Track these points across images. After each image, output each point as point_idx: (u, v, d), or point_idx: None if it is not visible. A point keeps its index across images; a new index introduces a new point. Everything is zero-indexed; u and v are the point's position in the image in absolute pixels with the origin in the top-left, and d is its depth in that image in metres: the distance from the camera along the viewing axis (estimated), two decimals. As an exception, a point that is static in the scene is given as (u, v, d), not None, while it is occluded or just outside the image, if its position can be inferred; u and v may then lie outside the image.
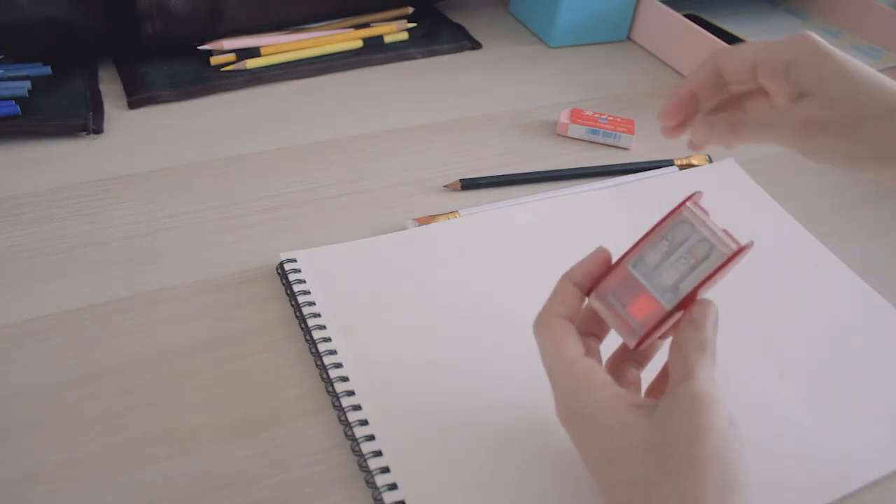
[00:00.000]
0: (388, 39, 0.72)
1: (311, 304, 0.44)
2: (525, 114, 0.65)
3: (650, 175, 0.59)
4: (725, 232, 0.33)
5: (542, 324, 0.34)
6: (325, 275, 0.46)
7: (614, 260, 0.34)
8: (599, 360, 0.35)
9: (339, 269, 0.47)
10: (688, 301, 0.32)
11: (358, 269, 0.47)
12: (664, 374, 0.36)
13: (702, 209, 0.33)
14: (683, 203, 0.33)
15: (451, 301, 0.46)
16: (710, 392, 0.30)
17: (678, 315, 0.33)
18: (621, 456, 0.30)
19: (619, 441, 0.30)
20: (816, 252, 0.53)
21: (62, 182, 0.52)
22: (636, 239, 0.34)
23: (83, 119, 0.57)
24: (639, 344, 0.33)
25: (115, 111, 0.60)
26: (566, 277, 0.35)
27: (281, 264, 0.47)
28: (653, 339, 0.34)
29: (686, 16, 0.76)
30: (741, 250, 0.32)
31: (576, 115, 0.63)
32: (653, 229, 0.33)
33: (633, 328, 0.33)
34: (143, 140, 0.57)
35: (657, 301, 0.33)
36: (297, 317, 0.44)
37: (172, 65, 0.65)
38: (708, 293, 0.34)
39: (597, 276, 0.34)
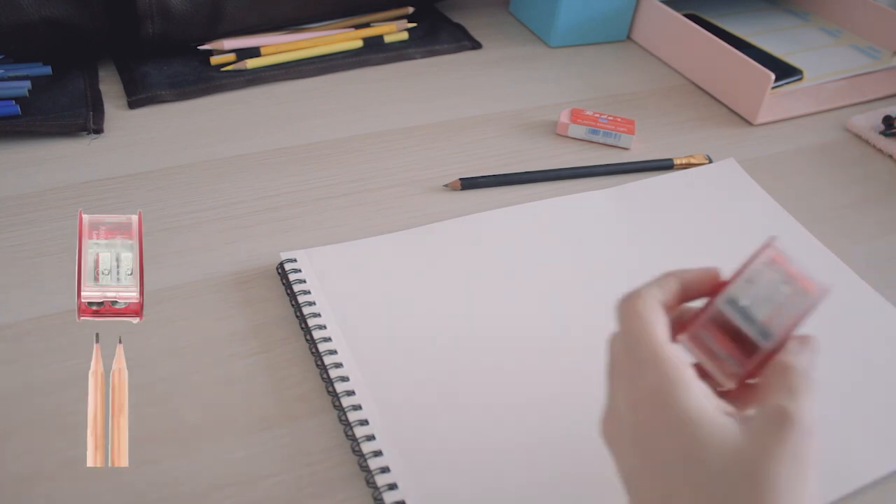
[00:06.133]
0: (388, 39, 0.72)
1: (312, 304, 0.44)
2: (525, 114, 0.65)
3: (650, 175, 0.59)
4: (807, 273, 0.33)
5: (633, 297, 0.32)
6: (325, 275, 0.46)
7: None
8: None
9: (339, 269, 0.47)
10: (783, 341, 0.33)
11: (358, 269, 0.47)
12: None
13: (782, 252, 0.34)
14: (766, 245, 0.33)
15: (451, 301, 0.46)
16: (810, 422, 0.29)
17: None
18: (702, 455, 0.29)
19: (708, 441, 0.29)
20: (817, 252, 0.53)
21: (62, 182, 0.52)
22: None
23: (83, 119, 0.57)
24: (739, 384, 0.32)
25: (115, 111, 0.60)
26: (673, 275, 0.34)
27: (281, 264, 0.47)
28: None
29: (686, 16, 0.76)
30: (825, 290, 0.33)
31: (576, 115, 0.63)
32: (739, 271, 0.33)
33: (733, 369, 0.33)
34: (143, 140, 0.57)
35: (755, 342, 0.32)
36: (297, 317, 0.44)
37: (172, 65, 0.65)
38: None
39: (700, 290, 0.34)
